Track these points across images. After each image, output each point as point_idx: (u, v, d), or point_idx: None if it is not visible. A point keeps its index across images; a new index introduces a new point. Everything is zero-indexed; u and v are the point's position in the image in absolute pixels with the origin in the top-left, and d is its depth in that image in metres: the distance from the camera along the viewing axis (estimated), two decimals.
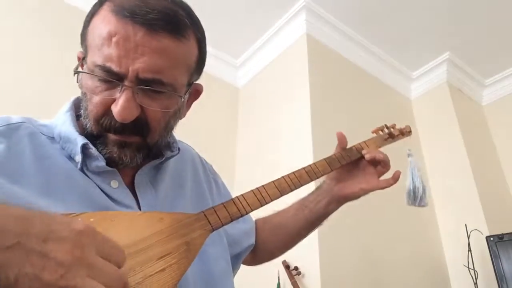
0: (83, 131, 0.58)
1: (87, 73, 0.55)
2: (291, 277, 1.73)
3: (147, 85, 0.53)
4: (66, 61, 2.00)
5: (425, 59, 2.79)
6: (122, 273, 0.34)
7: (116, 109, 0.53)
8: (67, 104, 0.63)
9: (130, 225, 0.45)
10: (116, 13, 0.52)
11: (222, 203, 0.56)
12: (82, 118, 0.58)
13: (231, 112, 2.68)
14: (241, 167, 2.47)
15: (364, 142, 0.85)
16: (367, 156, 0.78)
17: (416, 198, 0.84)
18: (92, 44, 0.54)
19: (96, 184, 0.56)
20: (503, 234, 2.08)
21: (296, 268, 1.76)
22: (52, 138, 0.58)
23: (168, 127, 0.61)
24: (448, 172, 2.56)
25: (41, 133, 0.58)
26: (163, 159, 0.63)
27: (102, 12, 0.55)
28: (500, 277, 2.01)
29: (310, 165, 0.73)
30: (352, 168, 0.80)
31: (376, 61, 2.71)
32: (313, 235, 1.78)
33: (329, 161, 0.76)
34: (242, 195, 0.59)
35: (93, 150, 0.55)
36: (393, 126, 0.92)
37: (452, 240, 2.38)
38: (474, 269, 2.12)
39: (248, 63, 2.72)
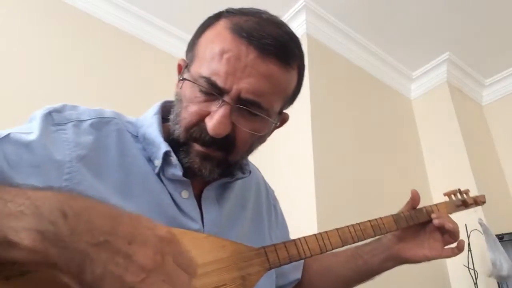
0: (167, 136, 0.59)
1: (191, 81, 0.55)
2: None
3: (245, 106, 0.54)
4: (68, 62, 2.01)
5: (425, 59, 2.79)
6: (192, 284, 0.35)
7: (211, 122, 0.53)
8: (155, 107, 0.64)
9: (193, 247, 0.45)
10: (233, 32, 0.54)
11: (284, 243, 0.56)
12: (170, 123, 0.59)
13: None
14: None
15: (436, 205, 0.82)
16: (435, 222, 0.75)
17: (502, 270, 0.81)
18: (201, 55, 0.56)
19: (168, 191, 0.57)
20: (503, 234, 2.08)
21: None
22: (136, 137, 0.59)
23: (251, 149, 0.63)
24: (448, 172, 2.56)
25: (127, 131, 0.59)
26: (234, 179, 0.64)
27: (218, 27, 0.56)
28: None
29: (376, 219, 0.71)
30: (418, 230, 0.77)
31: (376, 61, 2.71)
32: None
33: (396, 218, 0.74)
34: (304, 237, 0.59)
35: (173, 158, 0.56)
36: (467, 192, 0.89)
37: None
38: (474, 269, 2.12)
39: None
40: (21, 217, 0.31)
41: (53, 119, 0.54)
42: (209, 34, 0.57)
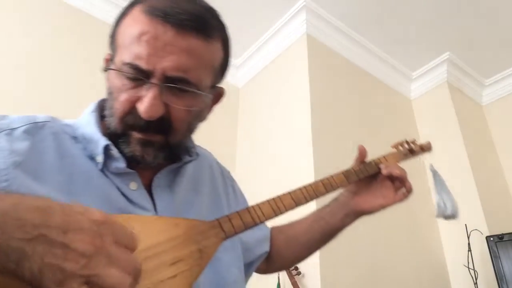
0: (106, 132, 0.58)
1: (115, 70, 0.55)
2: (291, 277, 1.73)
3: (174, 84, 0.54)
4: (66, 61, 2.01)
5: (425, 59, 2.79)
6: (135, 258, 0.35)
7: (142, 106, 0.53)
8: (92, 105, 0.64)
9: (144, 229, 0.45)
10: (147, 13, 0.54)
11: (237, 212, 0.56)
12: (106, 118, 0.59)
13: (231, 112, 2.68)
14: (240, 167, 2.47)
15: (384, 156, 0.84)
16: (384, 171, 0.78)
17: (446, 210, 0.84)
18: (122, 44, 0.56)
19: (115, 185, 0.56)
20: (503, 234, 2.08)
21: (296, 268, 1.76)
22: (75, 138, 0.59)
23: (190, 128, 0.62)
24: (448, 172, 2.56)
25: (65, 133, 0.58)
26: (182, 163, 0.64)
27: (133, 13, 0.56)
28: (500, 277, 2.01)
29: (327, 177, 0.72)
30: (370, 182, 0.80)
31: (376, 61, 2.72)
32: None
33: (346, 174, 0.75)
34: (257, 204, 0.59)
35: (114, 151, 0.56)
36: (414, 142, 0.92)
37: (452, 240, 2.38)
38: (474, 269, 2.12)
39: (248, 63, 2.72)
40: None
41: None
42: (126, 22, 0.57)
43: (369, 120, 2.48)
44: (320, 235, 0.80)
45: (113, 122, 0.57)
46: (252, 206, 0.59)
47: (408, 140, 0.91)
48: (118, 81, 0.55)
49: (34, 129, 0.55)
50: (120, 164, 0.56)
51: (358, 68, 2.63)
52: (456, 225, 2.34)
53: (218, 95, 0.67)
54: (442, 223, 2.48)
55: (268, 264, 0.82)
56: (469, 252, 2.15)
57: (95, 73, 2.32)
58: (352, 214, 0.79)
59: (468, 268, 2.13)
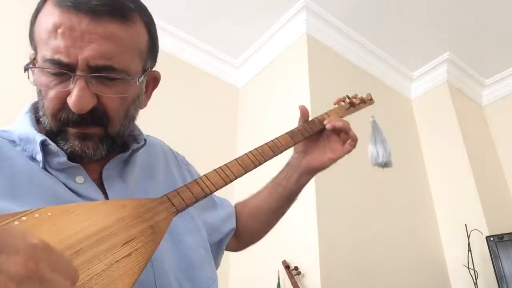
0: (44, 132, 0.57)
1: (38, 68, 0.54)
2: (291, 277, 1.73)
3: (99, 72, 0.52)
4: None
5: (425, 59, 2.79)
6: (70, 285, 0.33)
7: (71, 100, 0.52)
8: (26, 107, 0.62)
9: (91, 215, 0.45)
10: (58, 5, 0.52)
11: (185, 185, 0.56)
12: (41, 118, 0.57)
13: (231, 112, 2.68)
14: None
15: (326, 113, 0.87)
16: (328, 126, 0.80)
17: (379, 157, 0.85)
18: (39, 40, 0.54)
19: (61, 181, 0.55)
20: (503, 234, 2.08)
21: (296, 268, 1.76)
22: (13, 142, 0.57)
23: (129, 116, 0.60)
24: (448, 172, 2.56)
25: (1, 138, 0.57)
26: (130, 151, 0.63)
27: (45, 7, 0.55)
28: (500, 277, 2.01)
29: (272, 140, 0.74)
30: (317, 139, 0.82)
31: (376, 61, 2.71)
32: (313, 235, 1.78)
33: (291, 134, 0.76)
34: (205, 175, 0.59)
35: (52, 146, 0.54)
36: (355, 96, 0.95)
37: (452, 240, 2.38)
38: (474, 269, 2.12)
39: (248, 63, 2.72)
40: None
41: None
42: (40, 18, 0.55)
43: (369, 120, 2.48)
44: (281, 200, 0.82)
45: (47, 120, 0.56)
46: (200, 177, 0.58)
47: (349, 95, 0.94)
48: (44, 78, 0.54)
49: None
50: (61, 158, 0.54)
51: (358, 68, 2.63)
52: (456, 225, 2.34)
53: (154, 79, 0.66)
54: (442, 223, 2.48)
55: (238, 240, 0.83)
56: (469, 252, 2.15)
57: None
58: (305, 173, 0.80)
59: (468, 268, 2.13)
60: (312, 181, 1.99)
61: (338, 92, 2.69)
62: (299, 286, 1.71)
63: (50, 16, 0.53)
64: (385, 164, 0.86)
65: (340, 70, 2.50)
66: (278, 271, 1.80)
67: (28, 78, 0.57)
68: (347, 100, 0.93)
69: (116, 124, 0.57)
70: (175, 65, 2.44)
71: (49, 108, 0.55)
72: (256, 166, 0.66)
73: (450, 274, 2.34)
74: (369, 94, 0.98)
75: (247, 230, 0.84)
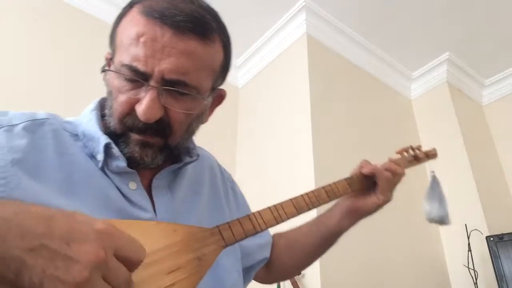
0: (106, 130, 0.58)
1: (114, 72, 0.55)
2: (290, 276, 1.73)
3: (172, 86, 0.53)
4: (66, 61, 2.01)
5: (425, 59, 2.79)
6: (130, 278, 0.34)
7: (140, 108, 0.53)
8: (93, 103, 0.63)
9: (143, 235, 0.44)
10: (145, 14, 0.53)
11: (238, 219, 0.55)
12: (106, 117, 0.59)
13: (231, 112, 2.68)
14: (241, 167, 2.47)
15: (388, 162, 0.83)
16: (363, 170, 0.77)
17: (432, 212, 0.83)
18: (120, 44, 0.55)
19: (115, 184, 0.56)
20: (503, 234, 2.08)
21: None
22: (75, 136, 0.58)
23: (190, 130, 0.61)
24: (448, 172, 2.56)
25: (65, 130, 0.58)
26: (182, 164, 0.63)
27: (131, 13, 0.56)
28: (500, 277, 2.01)
29: (330, 185, 0.72)
30: (368, 185, 0.79)
31: (376, 61, 2.71)
32: None
33: (349, 181, 0.74)
34: (258, 211, 0.58)
35: (115, 150, 0.55)
36: (419, 148, 0.91)
37: (452, 240, 2.38)
38: (474, 269, 2.12)
39: (248, 63, 2.72)
40: None
41: None
42: (124, 22, 0.56)
43: (369, 120, 2.48)
44: (319, 239, 0.79)
45: (112, 122, 0.57)
46: (253, 213, 0.57)
47: (413, 146, 0.90)
48: (117, 81, 0.55)
49: (34, 126, 0.55)
50: (120, 163, 0.55)
51: (358, 68, 2.63)
52: (456, 225, 2.34)
53: (219, 97, 0.67)
54: None
55: (268, 271, 0.81)
56: (469, 252, 2.15)
57: (95, 72, 2.32)
58: (348, 215, 0.78)
59: (468, 268, 2.13)
60: (312, 181, 1.98)
61: (338, 92, 2.70)
62: (299, 286, 1.71)
63: (135, 23, 0.54)
64: (441, 221, 0.84)
65: (340, 70, 2.50)
66: None
67: (106, 79, 0.58)
68: (411, 151, 0.89)
69: (177, 137, 0.58)
70: None
71: (117, 111, 0.56)
72: (309, 209, 0.65)
73: (450, 274, 2.34)
74: (434, 149, 0.94)
75: (280, 262, 0.81)
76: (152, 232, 0.46)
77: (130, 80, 0.54)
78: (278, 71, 2.51)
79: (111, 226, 0.34)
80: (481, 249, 2.18)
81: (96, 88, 2.17)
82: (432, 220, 0.84)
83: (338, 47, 2.51)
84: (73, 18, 2.13)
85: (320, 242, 0.79)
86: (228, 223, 0.54)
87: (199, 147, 0.70)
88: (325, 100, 2.24)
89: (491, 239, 2.10)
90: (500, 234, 2.09)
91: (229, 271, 0.63)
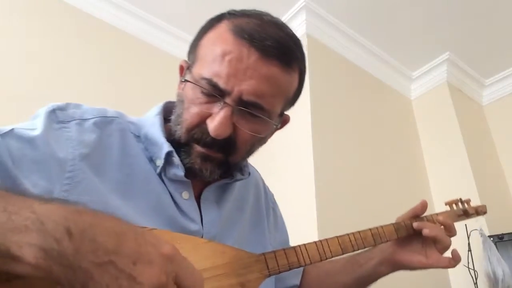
0: (169, 136, 0.59)
1: (193, 83, 0.55)
2: None
3: (247, 108, 0.54)
4: (66, 61, 2.00)
5: (425, 59, 2.79)
6: None
7: (212, 124, 0.54)
8: (157, 107, 0.64)
9: (193, 252, 0.45)
10: (234, 33, 0.54)
11: (284, 250, 0.56)
12: (171, 124, 0.60)
13: None
14: None
15: (437, 214, 0.81)
16: (424, 232, 0.73)
17: (497, 281, 0.81)
18: (203, 57, 0.56)
19: (169, 191, 0.57)
20: (503, 234, 2.08)
21: None
22: (137, 137, 0.59)
23: (251, 151, 0.63)
24: (448, 172, 2.56)
25: (130, 131, 0.59)
26: (233, 180, 0.64)
27: (219, 29, 0.57)
28: None
29: (377, 228, 0.70)
30: (416, 237, 0.75)
31: (376, 61, 2.71)
32: (313, 236, 1.78)
33: (397, 227, 0.73)
34: (304, 245, 0.59)
35: (176, 158, 0.56)
36: (468, 202, 0.89)
37: (452, 240, 2.38)
38: (474, 269, 2.12)
39: None
40: (26, 232, 0.31)
41: (57, 116, 0.53)
42: (211, 36, 0.57)
43: (369, 120, 2.48)
44: (353, 279, 0.76)
45: (178, 130, 0.58)
46: (299, 246, 0.58)
47: (463, 199, 0.88)
48: (193, 93, 0.56)
49: (103, 123, 0.56)
50: (179, 171, 0.56)
51: (358, 68, 2.62)
52: (456, 225, 2.34)
53: (284, 122, 0.69)
54: None
55: None
56: (469, 252, 2.15)
57: (95, 72, 2.33)
58: (388, 263, 0.75)
59: (468, 268, 2.13)
60: (312, 182, 1.98)
61: (338, 92, 2.69)
62: None
63: (223, 40, 0.55)
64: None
65: (340, 70, 2.50)
66: None
67: (182, 89, 0.59)
68: (460, 205, 0.87)
69: (239, 156, 0.60)
70: (176, 66, 2.44)
71: (187, 122, 0.57)
72: (354, 251, 0.66)
73: (450, 274, 2.34)
74: (485, 206, 0.93)
75: None
76: (202, 250, 0.47)
77: (207, 94, 0.55)
78: None
79: (176, 251, 0.35)
80: (481, 249, 2.18)
81: (96, 88, 2.16)
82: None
83: (338, 47, 2.51)
84: (73, 18, 2.13)
85: (352, 281, 0.76)
86: (274, 252, 0.54)
87: (249, 164, 0.71)
88: (325, 100, 2.24)
89: (491, 239, 2.10)
90: (500, 234, 2.09)
91: None
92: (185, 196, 0.58)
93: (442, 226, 0.76)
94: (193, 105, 0.56)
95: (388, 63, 2.77)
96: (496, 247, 2.08)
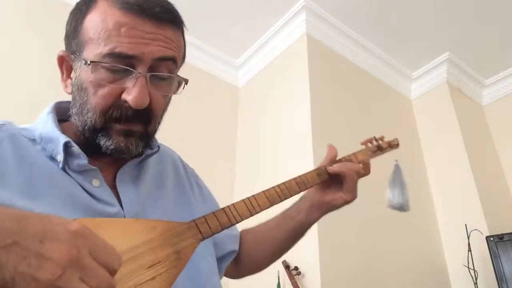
0: (75, 132, 0.58)
1: (97, 63, 0.54)
2: (291, 277, 1.73)
3: (159, 71, 0.56)
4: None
5: (425, 59, 2.79)
6: (111, 280, 0.34)
7: (132, 96, 0.54)
8: (48, 107, 0.63)
9: (122, 232, 0.46)
10: (121, 7, 0.54)
11: (213, 212, 0.57)
12: (75, 116, 0.58)
13: (231, 112, 2.68)
14: (241, 167, 2.47)
15: (353, 154, 0.86)
16: (329, 169, 0.78)
17: (394, 199, 0.85)
18: (94, 37, 0.55)
19: (78, 183, 0.56)
20: (503, 234, 2.08)
21: (296, 268, 1.76)
22: (33, 140, 0.58)
23: (163, 116, 0.63)
24: (448, 172, 2.56)
25: (22, 135, 0.57)
26: (143, 156, 0.64)
27: (99, 8, 0.56)
28: (500, 277, 2.01)
29: (300, 176, 0.74)
30: (336, 178, 0.79)
31: (376, 61, 2.71)
32: (313, 235, 1.78)
33: (318, 172, 0.77)
34: (233, 204, 0.60)
35: (75, 148, 0.55)
36: (382, 139, 0.95)
37: (452, 240, 2.38)
38: (474, 269, 2.12)
39: (248, 63, 2.72)
40: None
41: None
42: (93, 17, 0.56)
43: (369, 120, 2.48)
44: (288, 232, 0.80)
45: (90, 117, 0.56)
46: (228, 206, 0.59)
47: (376, 137, 0.95)
48: (96, 75, 0.55)
49: None
50: (81, 160, 0.55)
51: (358, 68, 2.63)
52: (456, 225, 2.34)
53: (179, 84, 0.68)
54: (442, 223, 2.48)
55: (237, 266, 0.81)
56: (469, 252, 2.15)
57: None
58: (317, 208, 0.79)
59: (468, 268, 2.13)
60: None
61: (338, 92, 2.70)
62: (299, 286, 1.71)
63: (112, 15, 0.54)
64: (400, 208, 0.86)
65: (340, 70, 2.50)
66: (278, 271, 1.80)
67: (76, 78, 0.58)
68: (375, 142, 0.93)
69: (156, 122, 0.61)
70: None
71: (100, 105, 0.56)
72: (281, 200, 0.68)
73: (450, 274, 2.34)
74: (396, 139, 1.00)
75: (249, 257, 0.82)
76: (131, 228, 0.47)
77: (114, 71, 0.54)
78: (278, 71, 2.51)
79: (86, 227, 0.34)
80: (481, 249, 2.18)
81: None
82: (392, 207, 0.87)
83: (338, 47, 2.51)
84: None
85: (288, 235, 0.81)
86: (204, 216, 0.55)
87: (160, 143, 0.71)
88: (325, 100, 2.24)
89: (491, 239, 2.10)
90: (500, 234, 2.09)
91: (203, 256, 0.64)
92: (96, 184, 0.57)
93: (360, 164, 0.82)
94: (100, 87, 0.55)
95: (388, 63, 2.77)
96: (496, 247, 2.08)
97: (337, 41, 2.50)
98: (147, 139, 0.60)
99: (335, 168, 0.78)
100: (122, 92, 0.55)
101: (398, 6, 2.33)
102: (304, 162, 1.99)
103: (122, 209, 0.57)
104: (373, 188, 2.18)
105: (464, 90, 2.89)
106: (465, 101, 2.87)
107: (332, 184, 0.79)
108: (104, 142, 0.56)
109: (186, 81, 0.62)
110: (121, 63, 0.54)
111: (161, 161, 0.72)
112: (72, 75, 0.59)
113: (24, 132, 0.59)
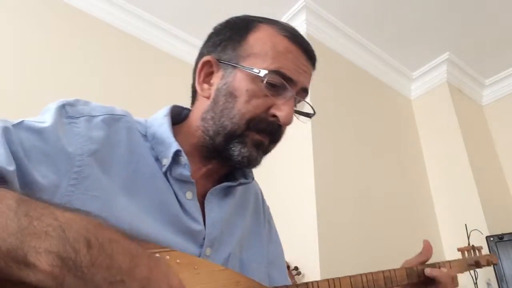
0: (181, 136, 0.61)
1: (254, 75, 0.59)
2: (291, 277, 1.73)
3: (303, 97, 0.64)
4: (66, 61, 2.00)
5: (425, 59, 2.79)
6: None
7: (284, 112, 0.59)
8: (165, 109, 0.66)
9: (209, 280, 0.47)
10: (286, 36, 0.63)
11: (296, 285, 0.57)
12: (207, 121, 0.61)
13: None
14: None
15: (449, 262, 0.83)
16: (428, 273, 0.75)
17: None
18: (258, 54, 0.61)
19: (173, 191, 0.58)
20: (503, 234, 2.08)
21: (296, 268, 1.76)
22: (144, 136, 0.61)
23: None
24: (448, 172, 2.56)
25: (137, 129, 0.60)
26: (237, 184, 0.66)
27: (266, 30, 0.63)
28: (500, 277, 2.01)
29: (389, 271, 0.72)
30: (422, 282, 0.76)
31: (376, 61, 2.71)
32: (313, 236, 1.78)
33: (409, 272, 0.74)
34: (317, 281, 0.60)
35: (183, 158, 0.58)
36: (479, 249, 0.91)
37: (452, 240, 2.38)
38: (474, 269, 2.12)
39: None
40: (46, 238, 0.31)
41: (66, 112, 0.54)
42: (260, 36, 0.63)
43: (369, 120, 2.48)
44: None
45: (235, 123, 0.59)
46: (311, 283, 0.59)
47: (475, 246, 0.91)
48: (253, 86, 0.59)
49: (111, 120, 0.57)
50: (185, 171, 0.58)
51: (358, 68, 2.62)
52: (456, 225, 2.34)
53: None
54: (442, 223, 2.48)
55: None
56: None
57: (95, 72, 2.32)
58: None
59: None
60: (312, 182, 1.98)
61: (338, 92, 2.69)
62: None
63: (280, 40, 0.63)
64: None
65: (340, 70, 2.50)
66: None
67: (225, 84, 0.62)
68: (472, 253, 0.89)
69: (278, 142, 0.65)
70: (174, 65, 2.44)
71: (251, 113, 0.59)
72: None
73: None
74: (495, 258, 0.94)
75: None
76: (217, 277, 0.49)
77: (273, 86, 0.60)
78: None
79: (184, 286, 0.36)
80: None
81: (95, 87, 2.15)
82: None
83: (338, 47, 2.51)
84: (73, 19, 2.13)
85: None
86: (287, 286, 0.56)
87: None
88: (325, 100, 2.24)
89: (491, 239, 2.10)
90: (500, 234, 2.09)
91: None
92: (189, 196, 0.59)
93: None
94: (255, 97, 0.59)
95: (388, 63, 2.77)
96: (496, 247, 2.08)
97: (337, 41, 2.50)
98: (265, 155, 0.63)
99: (435, 272, 0.74)
100: (270, 107, 0.60)
101: (398, 6, 2.32)
102: (304, 162, 1.99)
103: (204, 228, 0.59)
104: (374, 188, 2.19)
105: (464, 90, 2.89)
106: (465, 101, 2.87)
107: (418, 284, 0.76)
108: (239, 149, 0.59)
109: (313, 115, 0.69)
110: (283, 81, 0.60)
111: (246, 191, 0.73)
112: (214, 80, 0.63)
113: (139, 126, 0.61)
